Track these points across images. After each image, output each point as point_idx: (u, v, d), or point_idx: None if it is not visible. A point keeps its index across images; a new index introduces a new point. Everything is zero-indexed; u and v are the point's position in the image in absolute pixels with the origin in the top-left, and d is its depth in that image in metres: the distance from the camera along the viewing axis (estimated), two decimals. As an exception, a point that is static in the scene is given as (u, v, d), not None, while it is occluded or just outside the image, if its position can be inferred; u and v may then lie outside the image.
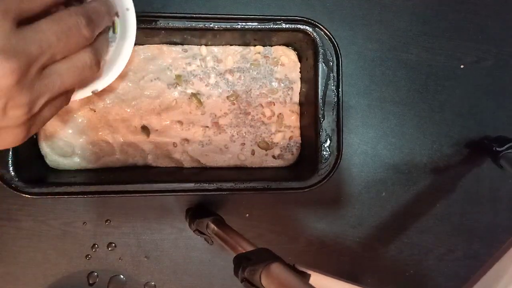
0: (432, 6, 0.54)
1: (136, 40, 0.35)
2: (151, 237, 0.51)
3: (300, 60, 0.46)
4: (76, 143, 0.43)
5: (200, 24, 0.40)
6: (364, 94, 0.53)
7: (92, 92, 0.33)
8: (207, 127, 0.44)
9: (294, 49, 0.46)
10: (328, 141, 0.41)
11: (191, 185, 0.40)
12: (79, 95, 0.33)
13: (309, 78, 0.43)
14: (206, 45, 0.44)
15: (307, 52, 0.43)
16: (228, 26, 0.40)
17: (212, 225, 0.44)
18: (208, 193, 0.40)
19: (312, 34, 0.41)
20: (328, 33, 0.41)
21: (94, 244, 0.51)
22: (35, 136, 0.41)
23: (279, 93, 0.45)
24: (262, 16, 0.41)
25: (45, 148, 0.42)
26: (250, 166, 0.45)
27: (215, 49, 0.44)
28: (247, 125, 0.45)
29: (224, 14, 0.40)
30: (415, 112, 0.54)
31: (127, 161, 0.44)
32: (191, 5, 0.50)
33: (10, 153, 0.38)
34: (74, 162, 0.43)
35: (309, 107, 0.43)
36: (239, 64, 0.45)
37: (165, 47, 0.44)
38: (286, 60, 0.45)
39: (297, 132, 0.46)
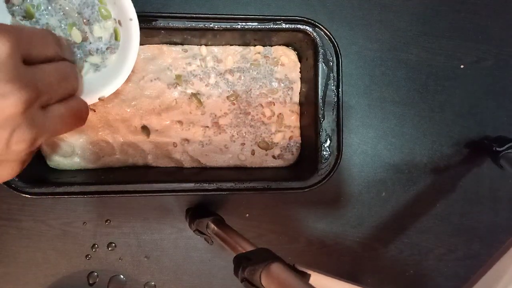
0: (432, 6, 0.54)
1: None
2: (151, 237, 0.51)
3: (300, 60, 0.46)
4: (76, 143, 0.43)
5: (200, 24, 0.40)
6: (364, 94, 0.53)
7: (99, 99, 0.34)
8: (207, 127, 0.44)
9: (294, 49, 0.46)
10: (328, 141, 0.41)
11: (191, 185, 0.40)
12: (86, 101, 0.33)
13: (309, 78, 0.43)
14: (206, 45, 0.44)
15: (307, 52, 0.43)
16: (228, 26, 0.40)
17: (212, 225, 0.44)
18: (208, 193, 0.40)
19: (312, 34, 0.41)
20: (328, 33, 0.41)
21: (94, 244, 0.51)
22: (35, 136, 0.41)
23: (279, 93, 0.45)
24: (262, 16, 0.41)
25: (45, 148, 0.42)
26: (250, 166, 0.45)
27: (215, 49, 0.44)
28: (247, 125, 0.45)
29: (224, 14, 0.40)
30: (415, 112, 0.54)
31: (127, 161, 0.44)
32: (191, 5, 0.50)
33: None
34: (74, 162, 0.43)
35: (309, 107, 0.43)
36: (239, 64, 0.45)
37: (165, 47, 0.44)
38: (286, 60, 0.45)
39: (297, 132, 0.46)
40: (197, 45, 0.44)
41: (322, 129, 0.41)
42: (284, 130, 0.45)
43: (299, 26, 0.41)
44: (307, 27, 0.41)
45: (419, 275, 0.56)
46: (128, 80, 0.43)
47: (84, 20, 0.33)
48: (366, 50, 0.53)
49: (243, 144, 0.45)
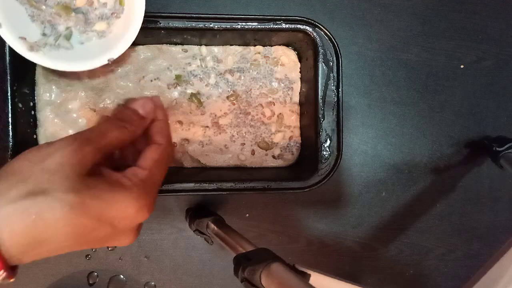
0: (432, 6, 0.54)
1: (136, 40, 0.36)
2: (151, 237, 0.51)
3: (300, 60, 0.46)
4: (76, 143, 0.43)
5: (200, 24, 0.40)
6: (364, 94, 0.53)
7: (108, 60, 0.35)
8: (207, 127, 0.44)
9: (294, 49, 0.46)
10: (328, 141, 0.41)
11: (191, 185, 0.40)
12: (95, 63, 0.35)
13: (309, 78, 0.43)
14: (206, 45, 0.44)
15: (307, 52, 0.43)
16: (228, 26, 0.40)
17: (212, 225, 0.44)
18: (208, 193, 0.40)
19: (312, 34, 0.41)
20: (328, 33, 0.41)
21: (94, 244, 0.51)
22: (35, 136, 0.41)
23: (279, 93, 0.45)
24: (262, 16, 0.41)
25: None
26: (250, 166, 0.45)
27: (215, 49, 0.44)
28: (247, 125, 0.45)
29: (224, 14, 0.40)
30: (415, 112, 0.54)
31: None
32: (191, 5, 0.50)
33: (11, 153, 0.38)
34: (74, 162, 0.43)
35: (309, 107, 0.43)
36: (239, 64, 0.45)
37: (165, 47, 0.44)
38: (286, 60, 0.45)
39: (297, 132, 0.46)
40: (197, 45, 0.44)
41: (322, 129, 0.41)
42: (284, 130, 0.45)
43: (299, 26, 0.41)
44: (307, 27, 0.41)
45: (419, 275, 0.56)
46: (128, 80, 0.43)
47: None
48: (366, 50, 0.53)
49: (243, 144, 0.45)
